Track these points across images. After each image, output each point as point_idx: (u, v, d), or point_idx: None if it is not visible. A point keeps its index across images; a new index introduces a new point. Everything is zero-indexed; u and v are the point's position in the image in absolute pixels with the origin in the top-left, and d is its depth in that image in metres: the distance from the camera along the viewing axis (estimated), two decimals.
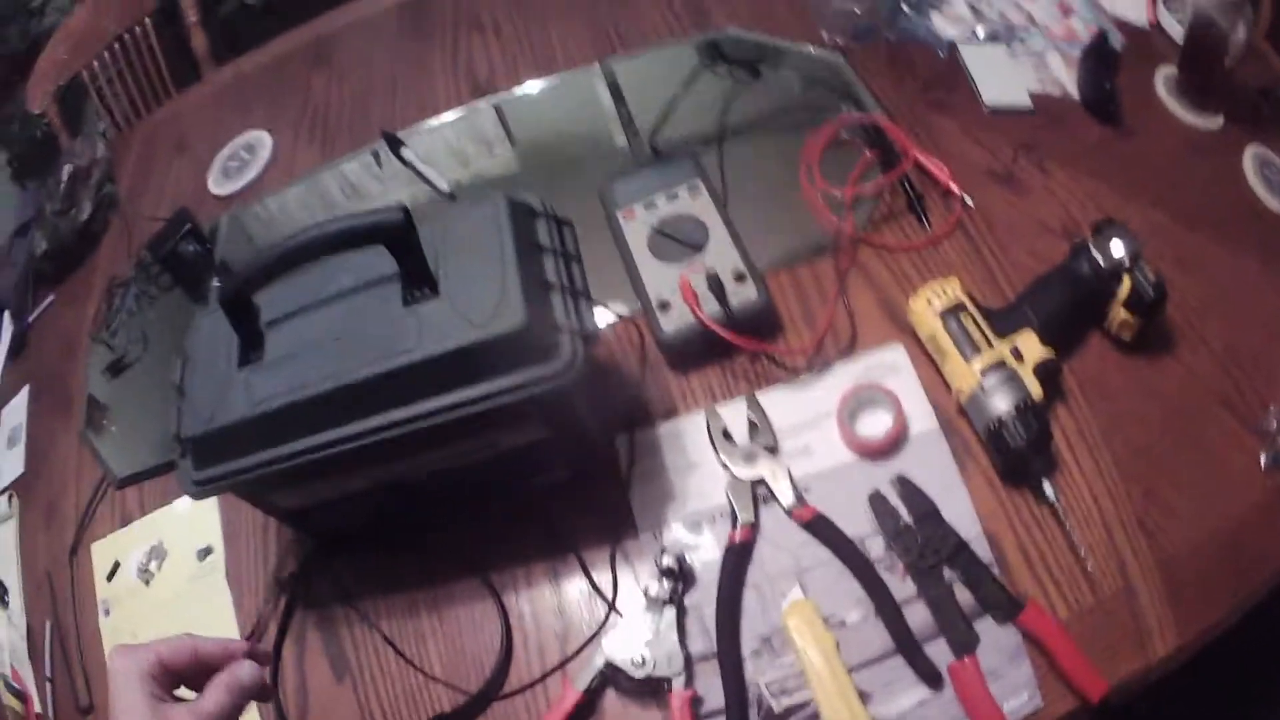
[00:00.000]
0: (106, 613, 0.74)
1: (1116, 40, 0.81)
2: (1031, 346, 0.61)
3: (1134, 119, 0.78)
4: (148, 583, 0.73)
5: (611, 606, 0.58)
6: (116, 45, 1.36)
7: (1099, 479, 0.60)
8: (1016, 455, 0.58)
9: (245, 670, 0.47)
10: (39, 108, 1.35)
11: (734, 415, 0.62)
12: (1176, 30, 0.84)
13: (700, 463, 0.61)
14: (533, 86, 0.91)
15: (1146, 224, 0.70)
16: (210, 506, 0.72)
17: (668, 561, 0.57)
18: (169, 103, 1.24)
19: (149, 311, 0.88)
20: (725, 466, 0.60)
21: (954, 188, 0.69)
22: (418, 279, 0.52)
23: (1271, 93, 0.84)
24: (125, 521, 0.76)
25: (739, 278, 0.63)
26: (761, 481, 0.59)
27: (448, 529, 0.62)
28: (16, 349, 0.99)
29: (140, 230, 0.95)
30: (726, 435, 0.61)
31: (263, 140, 1.00)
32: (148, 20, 1.37)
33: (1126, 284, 0.62)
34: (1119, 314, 0.63)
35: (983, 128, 0.74)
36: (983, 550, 0.58)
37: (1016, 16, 0.81)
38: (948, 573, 0.57)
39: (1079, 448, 0.61)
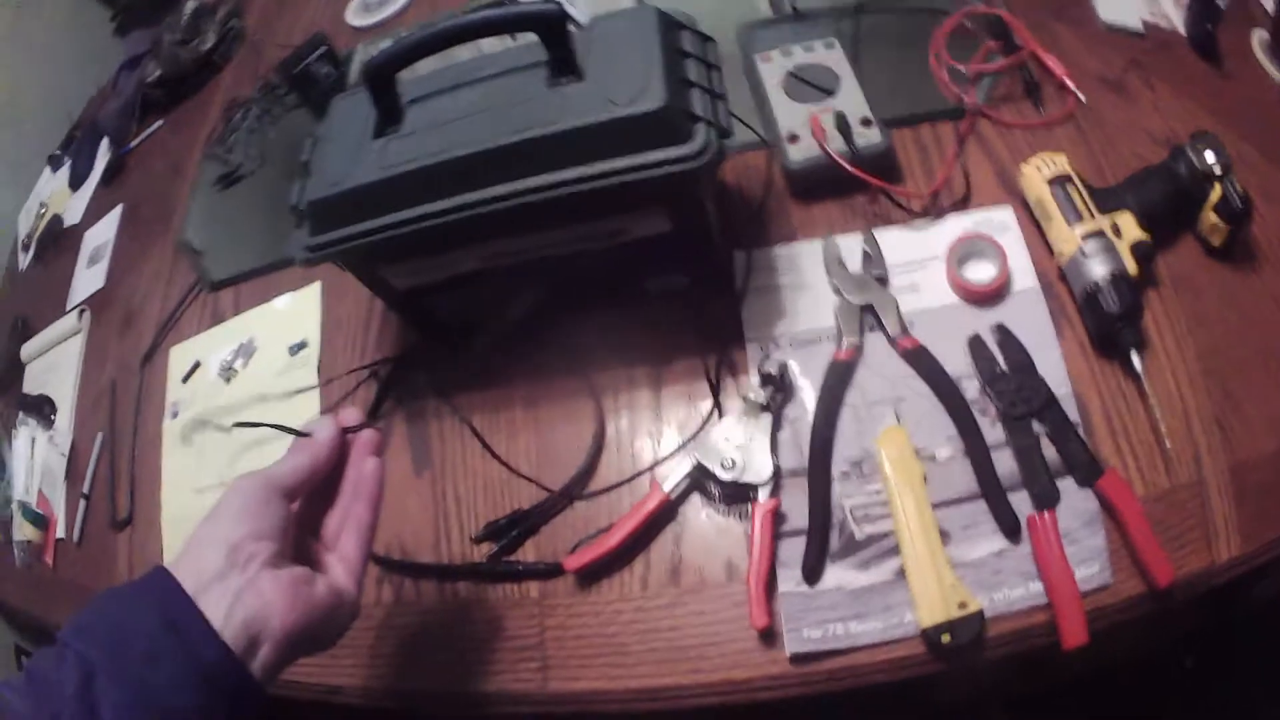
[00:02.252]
0: (174, 415, 0.74)
1: None
2: (1129, 227, 0.63)
3: (1232, 64, 0.80)
4: (229, 380, 0.73)
5: (712, 410, 0.59)
6: None
7: (1182, 367, 0.62)
8: (1109, 320, 0.60)
9: (322, 429, 0.47)
10: None
11: (849, 246, 0.64)
12: (1269, 2, 0.88)
13: (812, 285, 0.63)
14: None
15: (1236, 153, 0.70)
16: (313, 299, 0.73)
17: (770, 368, 0.58)
18: None
19: (269, 130, 0.90)
20: (837, 291, 0.62)
21: (1069, 82, 0.72)
22: (565, 66, 0.54)
23: None
24: (217, 321, 0.77)
25: (865, 123, 0.66)
26: (870, 308, 0.61)
27: (554, 324, 0.63)
28: (111, 175, 1.01)
29: (269, 56, 0.97)
30: (841, 262, 0.63)
31: None
32: None
33: (1217, 191, 0.64)
34: (1209, 218, 0.65)
35: (1097, 40, 0.77)
36: (1070, 410, 0.59)
37: None
38: (1036, 425, 0.59)
39: (1166, 333, 0.63)
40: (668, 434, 0.60)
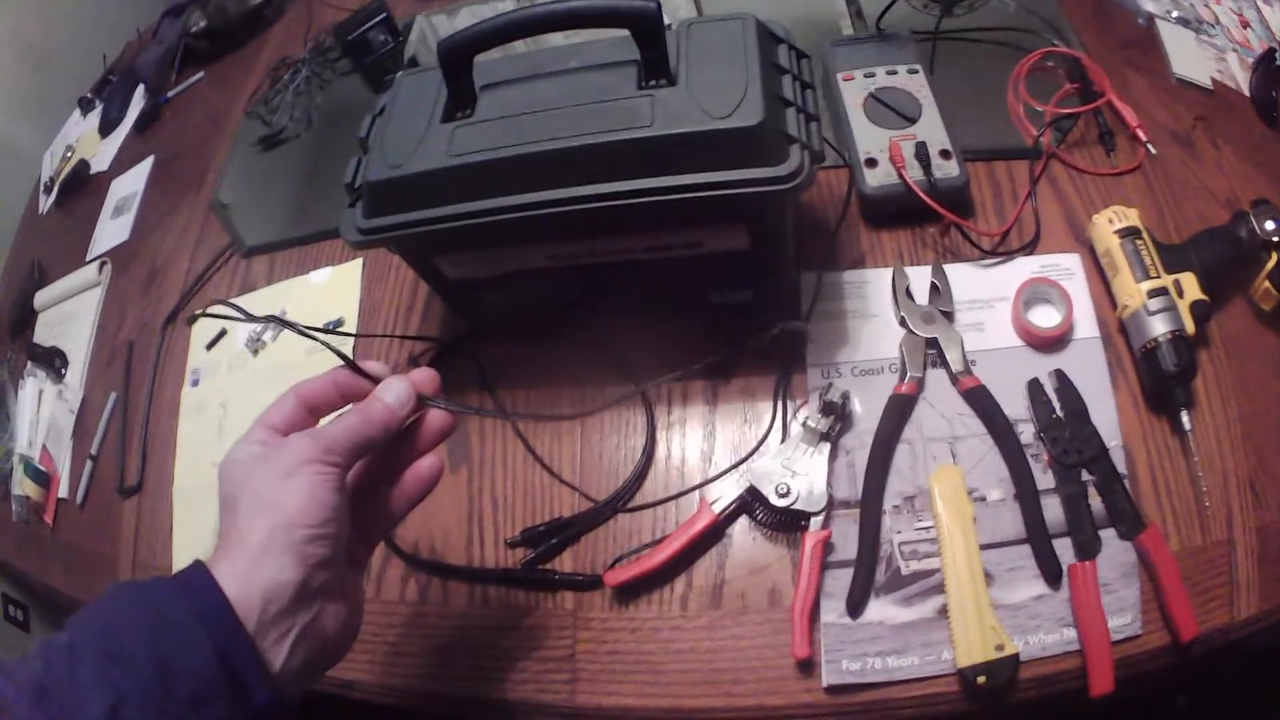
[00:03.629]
0: (195, 383, 0.72)
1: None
2: (1191, 286, 0.63)
3: None
4: (256, 353, 0.71)
5: (769, 432, 0.58)
6: None
7: (1225, 429, 0.62)
8: (1165, 378, 0.60)
9: (393, 390, 0.41)
10: None
11: (918, 277, 0.63)
12: None
13: (879, 314, 0.62)
14: None
15: None
16: (353, 277, 0.71)
17: (832, 396, 0.57)
18: None
19: (318, 94, 0.87)
20: (903, 322, 0.61)
21: (1141, 133, 0.72)
22: (657, 68, 0.52)
23: None
24: (248, 289, 0.74)
25: (944, 154, 0.65)
26: (935, 342, 0.60)
27: (612, 329, 0.62)
28: (145, 124, 0.97)
29: (323, 18, 0.94)
30: (909, 293, 0.62)
31: None
32: None
33: (1274, 259, 0.65)
34: (1263, 284, 0.66)
35: (1168, 92, 0.77)
36: (1119, 462, 0.59)
37: (1205, 13, 0.85)
38: (1086, 475, 0.59)
39: (1214, 394, 0.63)
40: (720, 453, 0.59)
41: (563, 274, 0.58)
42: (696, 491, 0.58)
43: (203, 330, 0.74)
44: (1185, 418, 0.60)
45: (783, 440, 0.58)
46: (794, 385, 0.60)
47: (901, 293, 0.62)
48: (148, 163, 0.92)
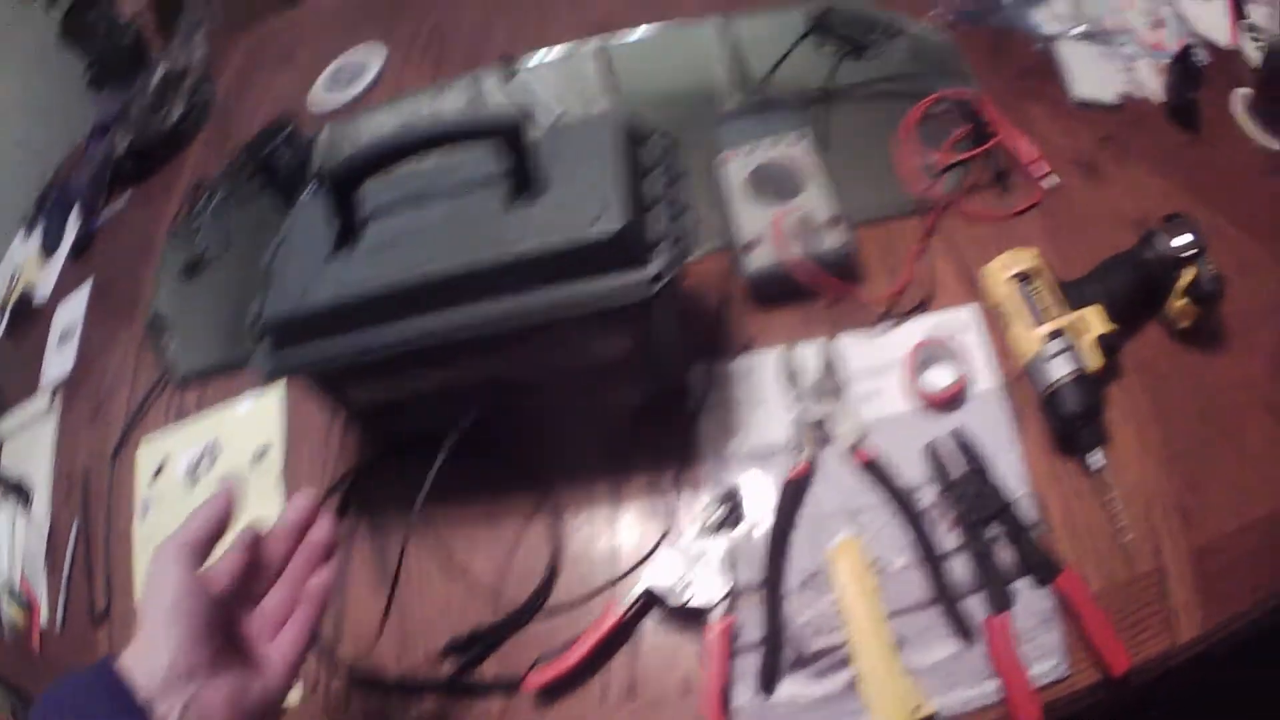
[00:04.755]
0: (145, 513, 0.76)
1: (1201, 56, 0.86)
2: (1096, 319, 0.66)
3: (1211, 131, 0.83)
4: (195, 482, 0.75)
5: (667, 531, 0.62)
6: None
7: (1144, 458, 0.64)
8: (1069, 420, 0.63)
9: (227, 486, 0.50)
10: (133, 8, 1.37)
11: (807, 355, 0.66)
12: (1254, 57, 0.89)
13: (769, 398, 0.66)
14: (648, 32, 0.95)
15: (1212, 227, 0.73)
16: (275, 405, 0.75)
17: (725, 489, 0.61)
18: (278, 15, 1.26)
19: (235, 213, 0.91)
20: (793, 404, 0.64)
21: (1037, 168, 0.74)
22: (524, 181, 0.56)
23: None
24: (181, 418, 0.79)
25: (828, 223, 0.68)
26: (825, 421, 0.63)
27: (515, 440, 0.66)
28: (81, 247, 1.03)
29: (236, 134, 0.98)
30: (797, 374, 0.65)
31: (373, 56, 1.03)
32: None
33: (1190, 274, 0.67)
34: (1179, 301, 0.68)
35: (1069, 118, 0.79)
36: (1028, 511, 0.62)
37: (1112, 21, 0.85)
38: (992, 529, 0.61)
39: (1129, 425, 0.66)
40: (625, 551, 0.63)
41: (461, 393, 0.62)
42: (607, 591, 0.62)
43: (146, 461, 0.78)
44: (1094, 457, 0.63)
45: (681, 534, 0.62)
46: (691, 478, 0.64)
47: (789, 373, 0.65)
48: (86, 288, 0.96)
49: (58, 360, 0.92)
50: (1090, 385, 0.64)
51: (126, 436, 0.80)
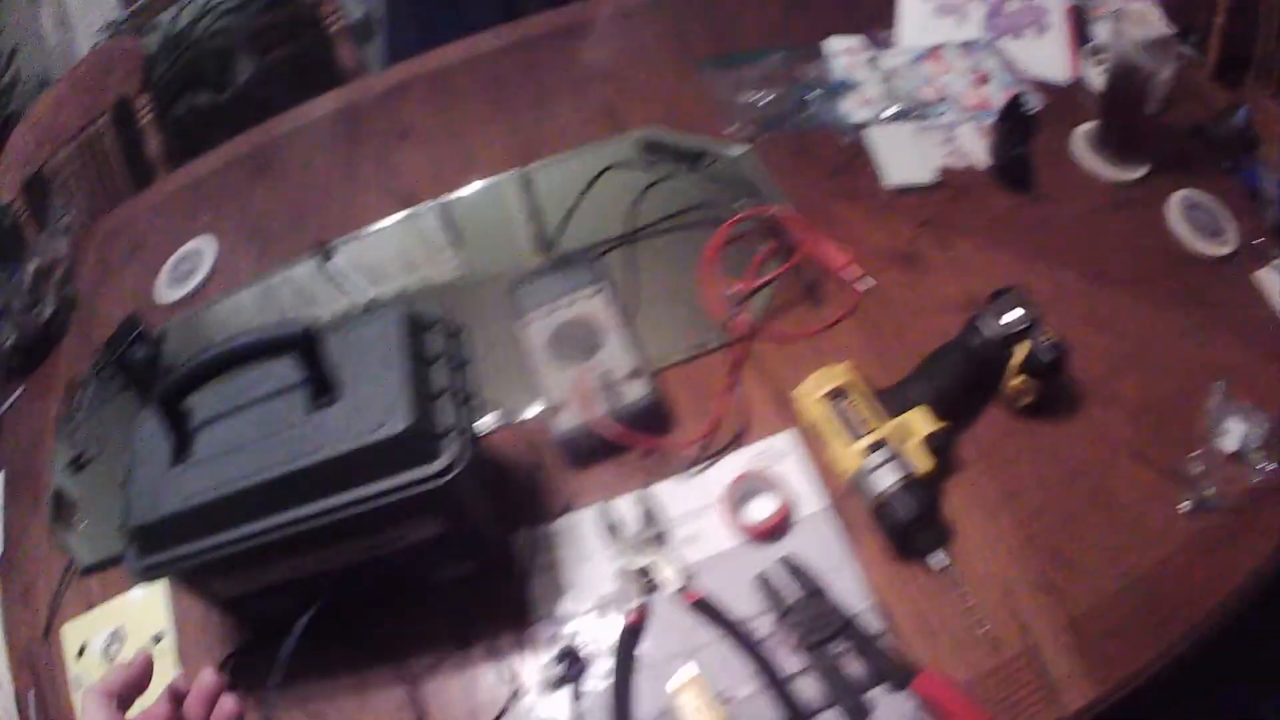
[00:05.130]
0: (79, 687, 1.04)
1: (1034, 102, 1.11)
2: (921, 421, 0.88)
3: (1048, 181, 1.09)
4: (111, 661, 1.04)
5: (515, 691, 0.86)
6: (78, 140, 1.81)
7: (997, 545, 0.86)
8: (902, 529, 0.84)
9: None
10: (8, 196, 1.78)
11: (626, 507, 0.91)
12: (1100, 83, 1.13)
13: (594, 553, 0.90)
14: (455, 195, 1.27)
15: (1053, 286, 1.00)
16: (160, 594, 1.03)
17: (562, 646, 0.84)
18: (125, 204, 1.64)
19: (106, 411, 1.23)
20: (617, 556, 0.88)
21: (850, 273, 1.00)
22: (321, 386, 0.81)
23: (1204, 130, 1.15)
24: (90, 606, 1.08)
25: (631, 376, 0.93)
26: (650, 569, 0.87)
27: (368, 617, 0.91)
28: None
29: (98, 332, 1.31)
30: (618, 527, 0.90)
31: (207, 247, 1.37)
32: (104, 117, 1.82)
33: (1023, 349, 0.89)
34: (1015, 380, 0.90)
35: (885, 209, 1.05)
36: (874, 621, 0.83)
37: (928, 92, 1.12)
38: (838, 645, 0.83)
39: (975, 516, 0.88)
40: (483, 714, 0.85)
41: (309, 581, 0.89)
42: None
43: (70, 642, 1.06)
44: (935, 558, 0.85)
45: (525, 696, 0.85)
46: (530, 638, 0.87)
47: (610, 528, 0.90)
48: (1, 475, 1.27)
49: None
50: (922, 488, 0.86)
51: (51, 620, 1.09)
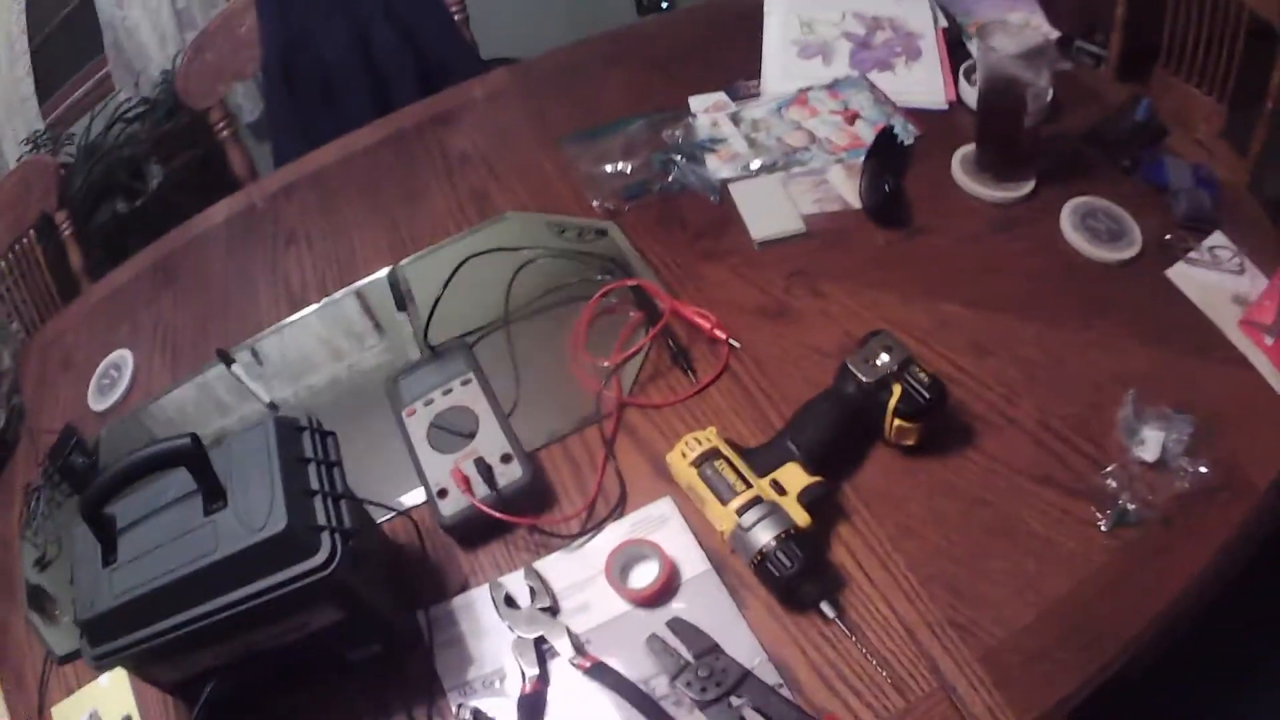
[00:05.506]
0: None
1: (908, 133, 1.41)
2: (795, 477, 1.11)
3: (927, 212, 1.35)
4: None
5: None
6: (10, 254, 2.23)
7: (894, 588, 1.07)
8: (785, 583, 1.05)
9: None
10: None
11: (516, 583, 1.15)
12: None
13: (491, 628, 1.14)
14: (338, 295, 1.59)
15: (933, 320, 1.25)
16: (123, 680, 1.29)
17: (465, 716, 1.07)
18: (56, 318, 2.02)
19: (59, 515, 1.54)
20: (511, 629, 1.12)
21: (717, 334, 1.25)
22: (211, 493, 1.05)
23: (1098, 132, 1.40)
24: (69, 692, 1.35)
25: (505, 459, 1.19)
26: (544, 638, 1.11)
27: (294, 697, 1.15)
28: None
29: (42, 441, 1.64)
30: (510, 601, 1.13)
31: (126, 359, 1.72)
32: (31, 234, 2.25)
33: (897, 391, 1.12)
34: (893, 422, 1.13)
35: (753, 265, 1.31)
36: (770, 675, 1.05)
37: (796, 139, 1.40)
38: (736, 700, 1.04)
39: (868, 561, 1.10)
40: None
41: (232, 666, 1.11)
42: None
43: None
44: (826, 607, 1.06)
45: None
46: (440, 710, 1.10)
47: (502, 603, 1.13)
48: None
49: None
50: (802, 541, 1.07)
51: (41, 704, 1.37)
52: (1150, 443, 1.14)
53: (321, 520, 1.06)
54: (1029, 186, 1.39)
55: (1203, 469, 1.12)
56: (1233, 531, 1.09)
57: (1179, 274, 1.30)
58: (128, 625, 1.08)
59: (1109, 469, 1.13)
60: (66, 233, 2.29)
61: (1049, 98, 1.38)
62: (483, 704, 1.12)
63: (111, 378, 1.75)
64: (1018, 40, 1.30)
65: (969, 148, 1.42)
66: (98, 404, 1.71)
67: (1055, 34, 1.50)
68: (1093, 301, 1.29)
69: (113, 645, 1.09)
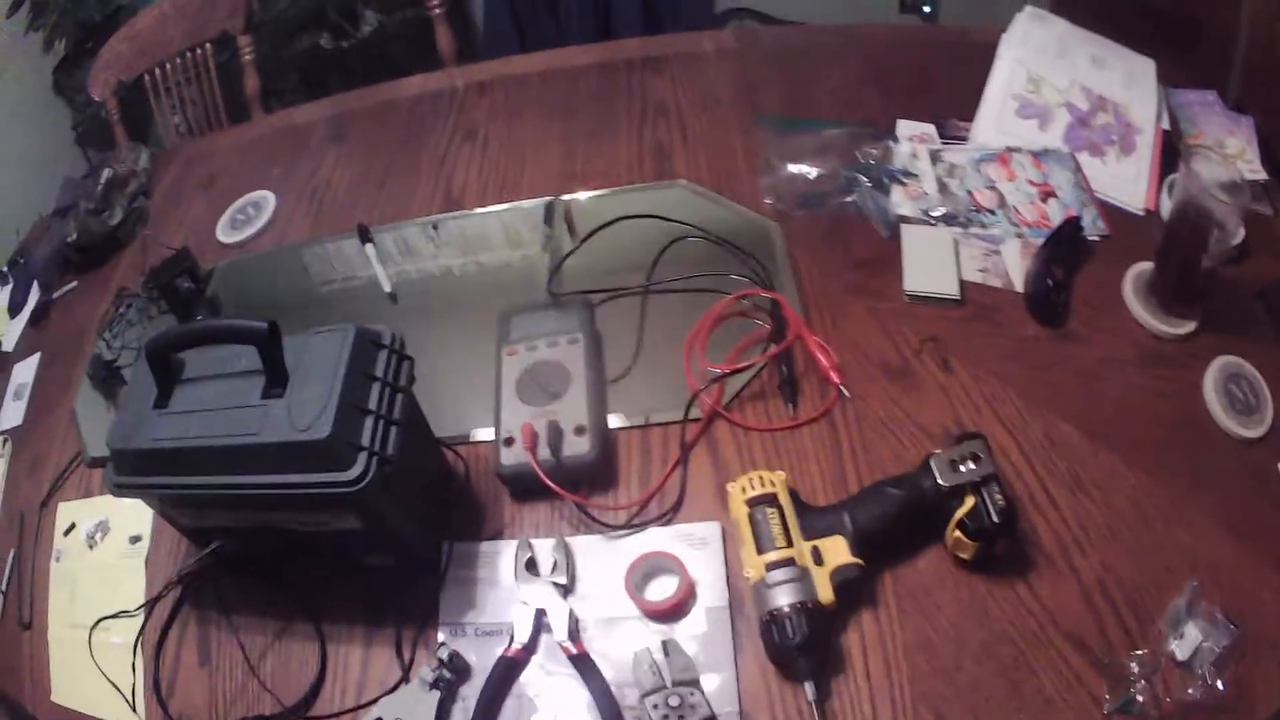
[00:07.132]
0: (57, 559, 1.36)
1: (1096, 228, 1.23)
2: (837, 551, 1.02)
3: (1083, 318, 1.19)
4: (91, 548, 1.35)
5: (403, 677, 1.09)
6: (179, 60, 2.21)
7: (885, 694, 0.98)
8: (781, 650, 0.98)
9: None
10: (100, 95, 2.18)
11: (544, 549, 1.10)
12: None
13: (502, 582, 1.10)
14: (495, 208, 1.55)
15: (1046, 435, 1.12)
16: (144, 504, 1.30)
17: (443, 655, 1.04)
18: (211, 136, 2.00)
19: (145, 328, 1.55)
20: (523, 591, 1.08)
21: (831, 376, 1.13)
22: (273, 380, 1.03)
23: (1269, 294, 1.21)
24: (88, 494, 1.39)
25: (579, 431, 1.12)
26: (548, 613, 1.06)
27: (302, 576, 1.15)
28: (39, 317, 1.75)
29: (155, 253, 1.64)
30: (531, 565, 1.09)
31: (269, 200, 1.69)
32: (208, 45, 2.21)
33: (968, 504, 1.01)
34: (954, 533, 1.02)
35: (895, 315, 1.17)
36: None
37: (985, 198, 1.24)
38: None
39: (873, 657, 1.01)
40: (371, 684, 1.09)
41: (246, 531, 1.13)
42: (355, 713, 1.08)
43: (61, 519, 1.40)
44: (809, 689, 0.98)
45: (410, 684, 1.07)
46: (428, 638, 1.09)
47: (522, 564, 1.08)
48: (36, 358, 1.64)
49: (12, 411, 1.61)
50: (816, 617, 0.99)
51: (50, 496, 1.42)
52: (1187, 640, 1.01)
53: (365, 441, 1.02)
54: (1191, 326, 1.22)
55: (1220, 685, 0.99)
56: None
57: None
58: (154, 469, 1.09)
59: (1139, 652, 1.00)
60: (247, 57, 2.24)
61: (1237, 240, 1.21)
62: (464, 649, 1.10)
63: (248, 214, 1.73)
64: (1221, 171, 1.11)
65: (1146, 265, 1.24)
66: (226, 236, 1.70)
67: (1263, 176, 1.26)
68: (1200, 471, 1.13)
69: (134, 480, 1.10)
